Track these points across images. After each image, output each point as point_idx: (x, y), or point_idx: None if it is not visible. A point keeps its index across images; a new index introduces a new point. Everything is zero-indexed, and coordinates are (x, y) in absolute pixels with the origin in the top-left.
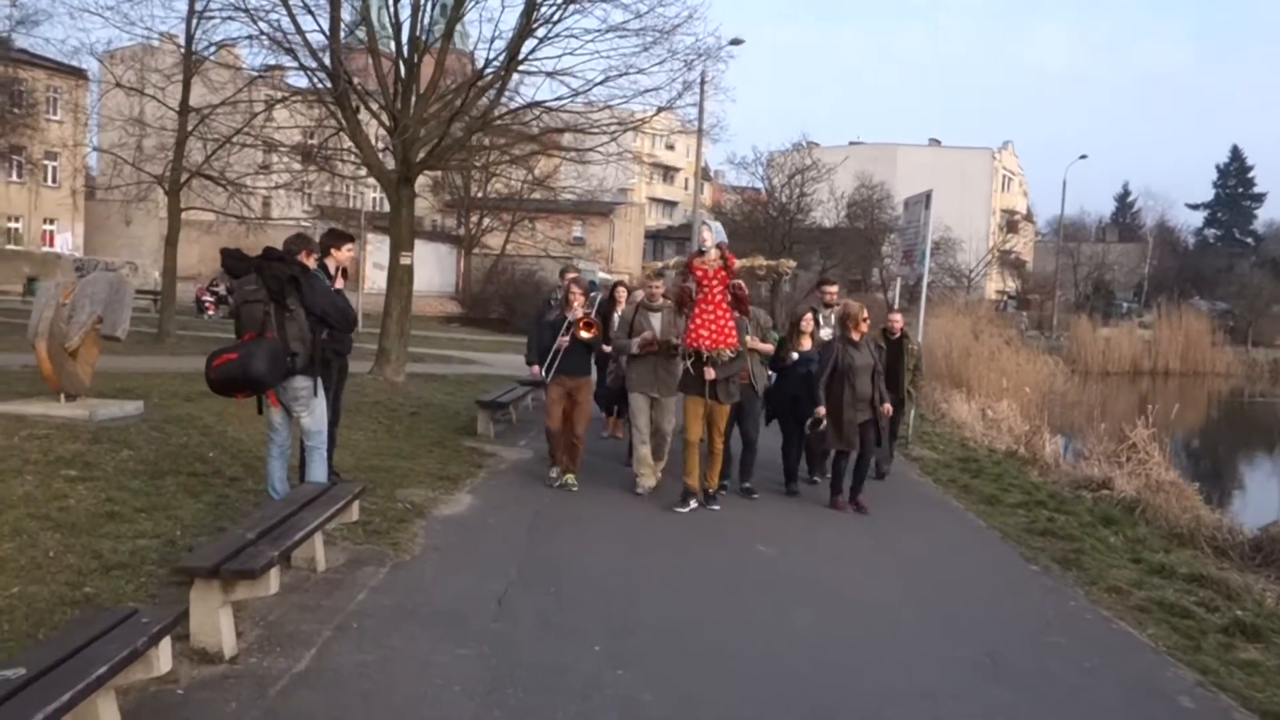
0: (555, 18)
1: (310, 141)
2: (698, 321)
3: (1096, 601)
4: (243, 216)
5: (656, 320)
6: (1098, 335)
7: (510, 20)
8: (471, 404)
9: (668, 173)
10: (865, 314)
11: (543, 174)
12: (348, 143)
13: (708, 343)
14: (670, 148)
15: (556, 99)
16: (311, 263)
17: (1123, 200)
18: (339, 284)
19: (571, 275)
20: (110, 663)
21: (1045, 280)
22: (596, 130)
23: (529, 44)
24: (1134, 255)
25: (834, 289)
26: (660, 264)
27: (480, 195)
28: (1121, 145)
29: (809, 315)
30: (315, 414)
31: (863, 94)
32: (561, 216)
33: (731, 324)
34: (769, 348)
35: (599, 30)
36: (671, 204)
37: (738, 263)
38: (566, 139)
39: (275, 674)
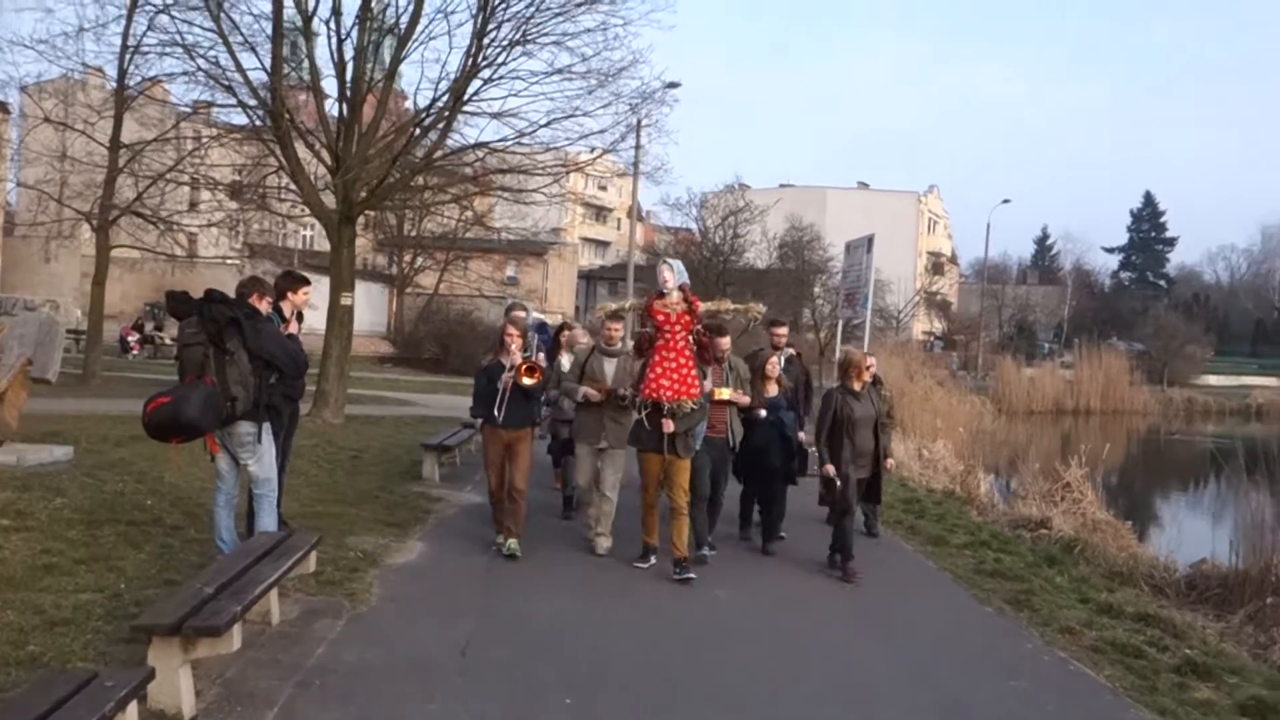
0: (500, 59)
1: (246, 179)
2: (659, 370)
3: (1051, 643)
4: (173, 255)
5: (611, 366)
6: (1022, 375)
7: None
8: (413, 446)
9: (600, 213)
10: (869, 363)
11: (480, 213)
12: (286, 181)
13: (669, 393)
14: (603, 188)
15: (501, 140)
16: (265, 306)
17: (1042, 243)
18: (293, 328)
19: (516, 314)
20: None
21: (970, 321)
22: (540, 171)
23: (474, 85)
24: (1054, 297)
25: (784, 330)
26: (616, 305)
27: (413, 234)
28: (1042, 190)
29: (774, 360)
30: (263, 461)
31: (793, 138)
32: (495, 256)
33: (695, 373)
34: (747, 399)
35: (545, 73)
36: (604, 244)
37: (702, 306)
38: (510, 180)
39: None
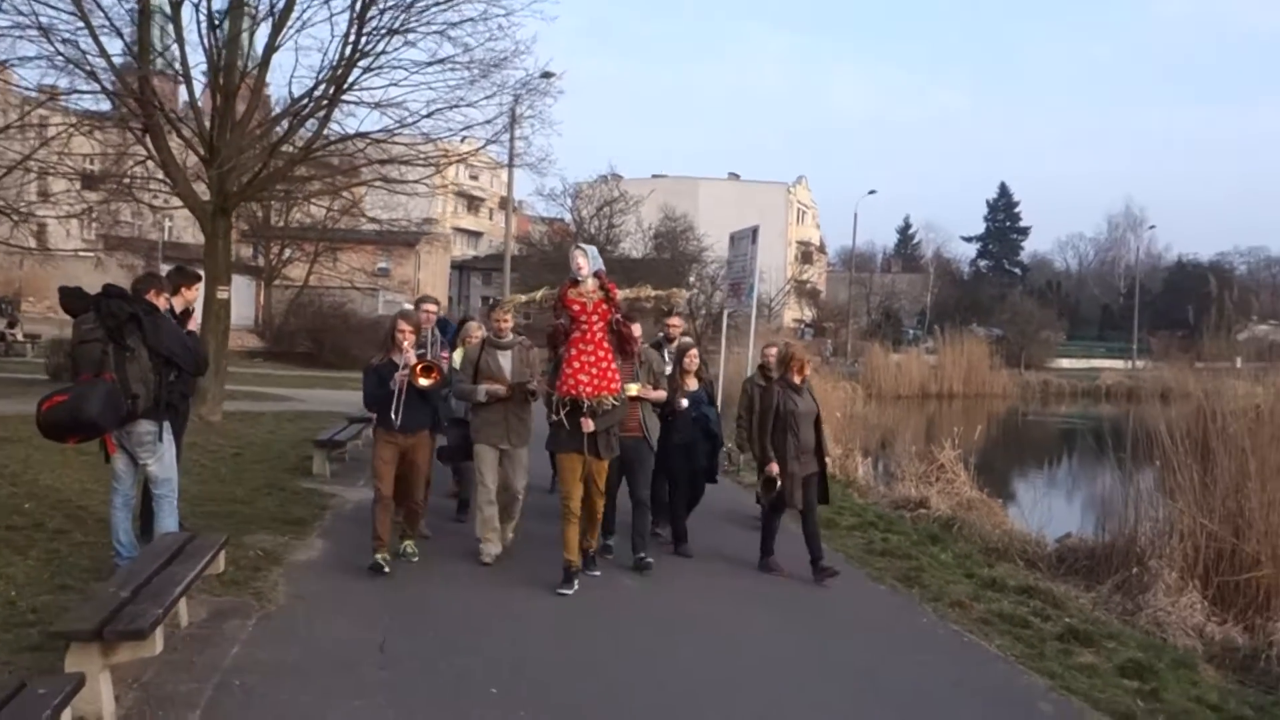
0: (380, 48)
1: (109, 169)
2: (576, 364)
3: (944, 617)
4: (26, 247)
5: (506, 360)
6: (889, 361)
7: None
8: (297, 442)
9: (473, 203)
10: (808, 356)
11: (353, 200)
12: (154, 171)
13: (588, 389)
14: (475, 178)
15: (383, 130)
16: (162, 303)
17: (905, 233)
18: (194, 324)
19: (415, 309)
20: None
21: (839, 308)
22: (422, 162)
23: (355, 73)
24: (918, 285)
25: (677, 321)
26: (525, 296)
27: (281, 225)
28: (905, 182)
29: (694, 352)
30: (164, 461)
31: (665, 128)
32: (365, 247)
33: (614, 367)
34: (661, 395)
35: (426, 62)
36: (477, 234)
37: (620, 293)
38: (391, 171)
39: None
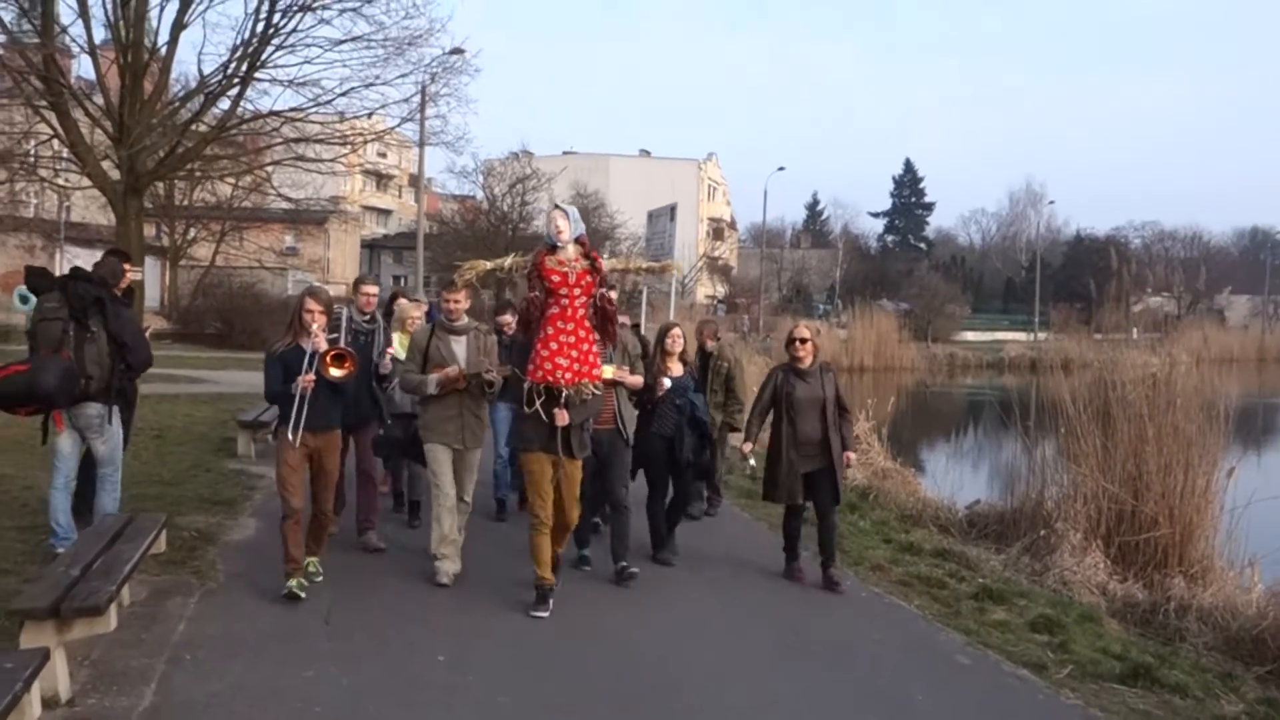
0: (293, 25)
1: (14, 149)
2: (553, 345)
3: (865, 580)
4: None
5: (460, 347)
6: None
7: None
8: (217, 423)
9: (381, 180)
10: (820, 331)
11: (261, 178)
12: (58, 150)
13: (568, 375)
14: (383, 155)
15: (297, 109)
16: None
17: (813, 209)
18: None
19: (366, 290)
20: None
21: (750, 284)
22: (337, 141)
23: (267, 51)
24: (828, 260)
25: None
26: (490, 263)
27: (185, 203)
28: (813, 158)
29: (676, 331)
30: (111, 442)
31: (575, 104)
32: (273, 226)
33: (596, 350)
34: (638, 380)
35: (340, 40)
36: (386, 212)
37: (606, 263)
38: (306, 150)
39: (121, 713)
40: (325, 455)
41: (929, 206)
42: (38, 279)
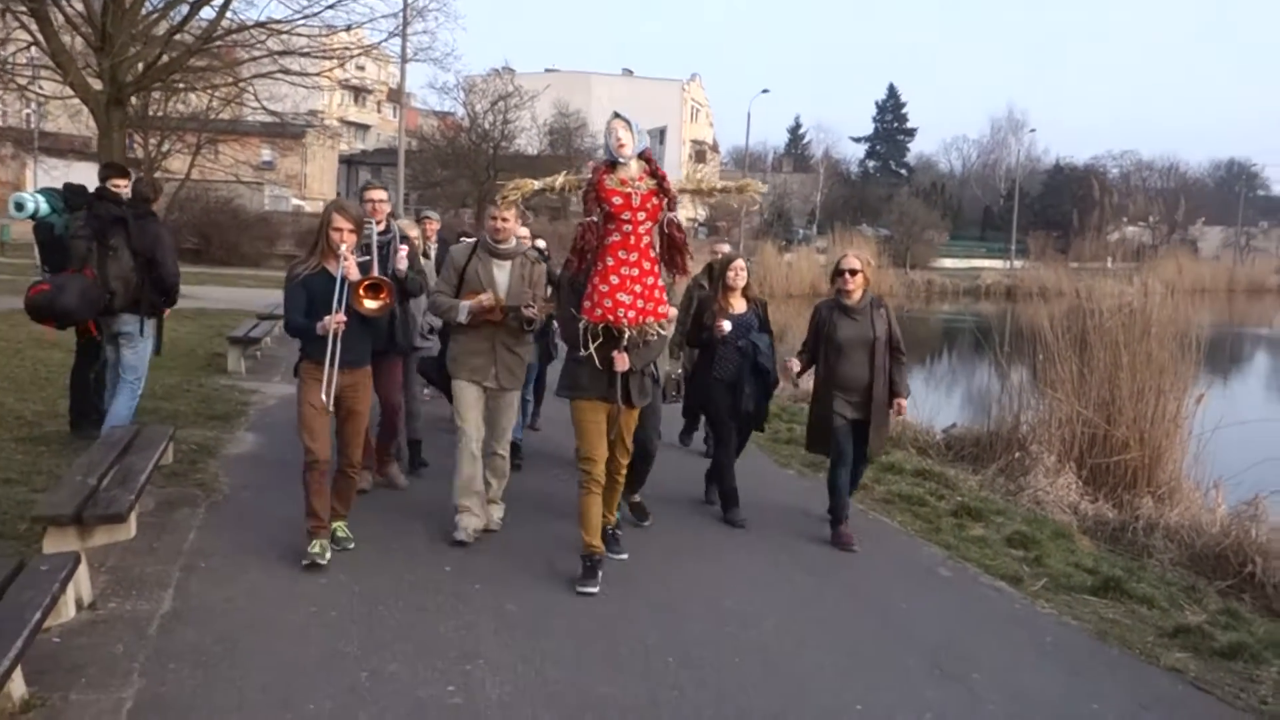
0: None
1: None
2: (614, 280)
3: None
4: None
5: (503, 273)
6: (781, 260)
7: None
8: (204, 339)
9: (359, 95)
10: (871, 262)
11: (234, 93)
12: (36, 57)
13: (632, 314)
14: (360, 69)
15: (284, 20)
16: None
17: (795, 132)
18: None
19: (374, 195)
20: (41, 608)
21: (731, 208)
22: (322, 54)
23: None
24: (809, 185)
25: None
26: (538, 182)
27: (160, 114)
28: (796, 81)
29: (738, 264)
30: (139, 351)
31: (557, 20)
32: (250, 139)
33: (662, 284)
34: (670, 312)
35: None
36: (365, 127)
37: (674, 183)
38: (292, 63)
39: (144, 616)
40: (355, 396)
41: (911, 132)
42: (73, 195)
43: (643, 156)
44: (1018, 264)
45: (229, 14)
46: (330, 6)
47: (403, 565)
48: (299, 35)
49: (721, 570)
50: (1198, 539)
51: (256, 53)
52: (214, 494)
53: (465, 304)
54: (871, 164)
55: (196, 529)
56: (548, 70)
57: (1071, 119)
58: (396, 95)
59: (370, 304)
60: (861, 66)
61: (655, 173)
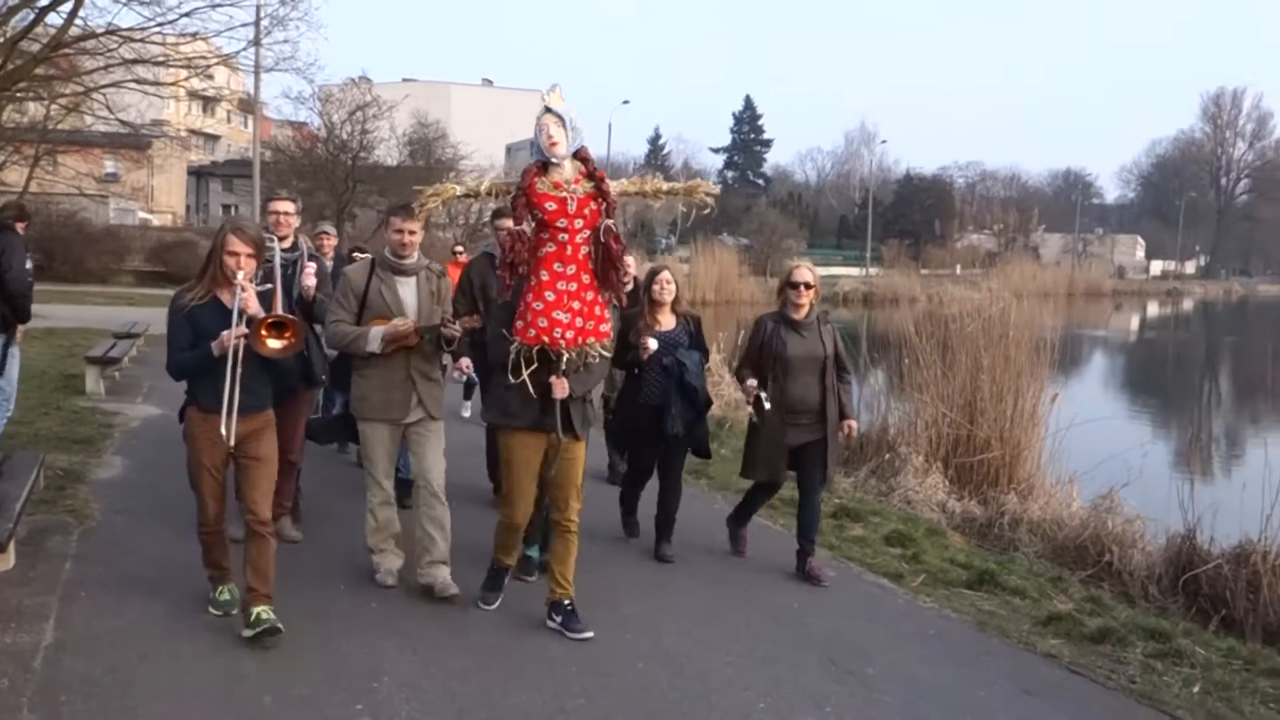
0: None
1: None
2: (549, 296)
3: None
4: None
5: (408, 290)
6: (644, 269)
7: None
8: (55, 360)
9: (208, 104)
10: (814, 277)
11: (75, 102)
12: None
13: (571, 334)
14: (209, 77)
15: (139, 28)
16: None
17: (655, 143)
18: None
19: (280, 207)
20: None
21: None
22: (179, 64)
23: None
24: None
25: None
26: (460, 188)
27: None
28: (656, 92)
29: (664, 276)
30: (6, 372)
31: (414, 31)
32: (91, 150)
33: (602, 298)
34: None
35: None
36: (214, 138)
37: (615, 186)
38: (146, 71)
39: (27, 649)
40: (256, 443)
41: (767, 143)
42: None
43: (578, 156)
44: (873, 271)
45: (79, 21)
46: (187, 15)
47: (295, 585)
48: (153, 44)
49: (614, 579)
50: (1059, 532)
51: (108, 61)
52: (86, 520)
53: (375, 330)
54: (730, 174)
55: (72, 558)
56: (405, 80)
57: (921, 131)
58: (248, 105)
59: (273, 343)
60: (719, 78)
61: (593, 174)
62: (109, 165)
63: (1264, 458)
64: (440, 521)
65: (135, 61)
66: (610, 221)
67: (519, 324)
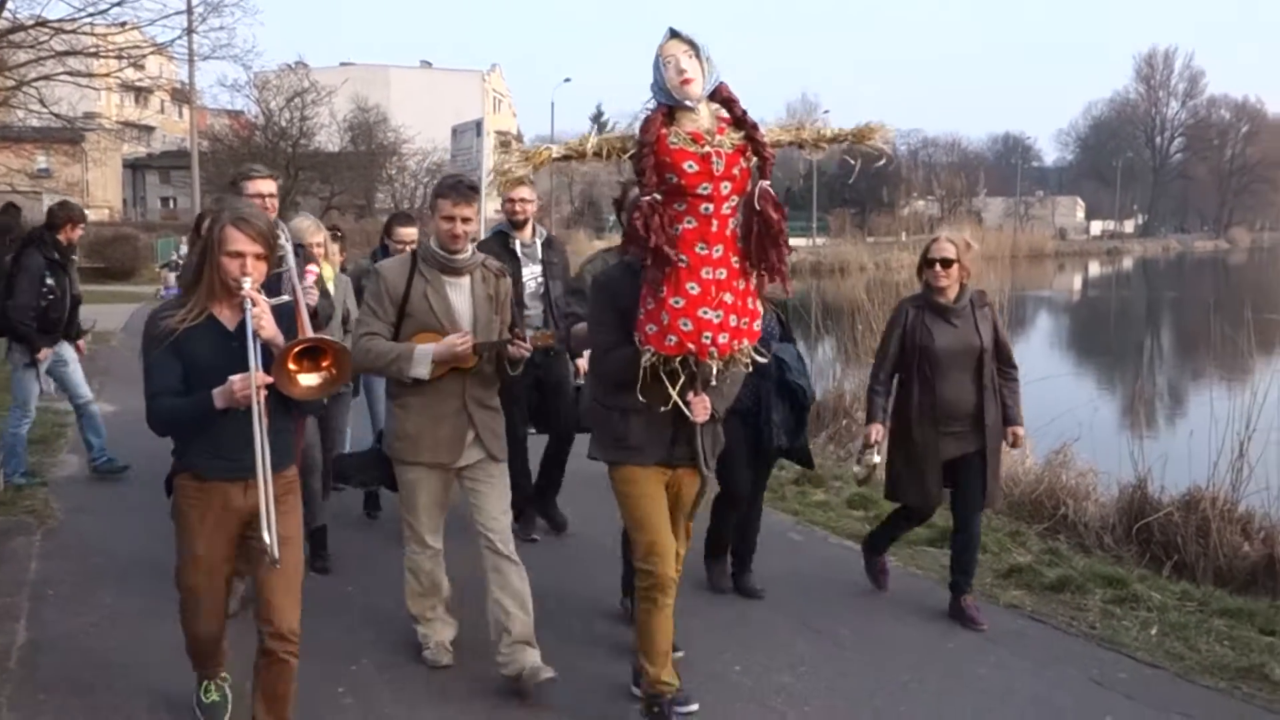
0: None
1: None
2: (693, 288)
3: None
4: None
5: (461, 296)
6: (594, 247)
7: None
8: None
9: (139, 95)
10: (972, 244)
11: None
12: None
13: (724, 338)
14: (141, 67)
15: (69, 18)
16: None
17: (598, 120)
18: None
19: (262, 187)
20: None
21: (542, 198)
22: (111, 55)
23: None
24: (618, 172)
25: (527, 194)
26: (558, 148)
27: None
28: (597, 68)
29: None
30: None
31: (348, 12)
32: (21, 146)
33: (753, 288)
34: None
35: None
36: (148, 129)
37: (770, 135)
38: (77, 63)
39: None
40: (281, 518)
41: None
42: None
43: (718, 97)
44: (820, 241)
45: (6, 13)
46: (119, 3)
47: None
48: (85, 35)
49: (592, 554)
50: (1015, 488)
51: (39, 53)
52: (48, 520)
53: (423, 349)
54: None
55: (37, 558)
56: (343, 64)
57: (862, 100)
58: (182, 95)
59: (308, 380)
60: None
61: (741, 120)
62: (41, 160)
63: (1209, 407)
64: (515, 590)
65: (67, 53)
66: (766, 183)
67: (651, 328)
